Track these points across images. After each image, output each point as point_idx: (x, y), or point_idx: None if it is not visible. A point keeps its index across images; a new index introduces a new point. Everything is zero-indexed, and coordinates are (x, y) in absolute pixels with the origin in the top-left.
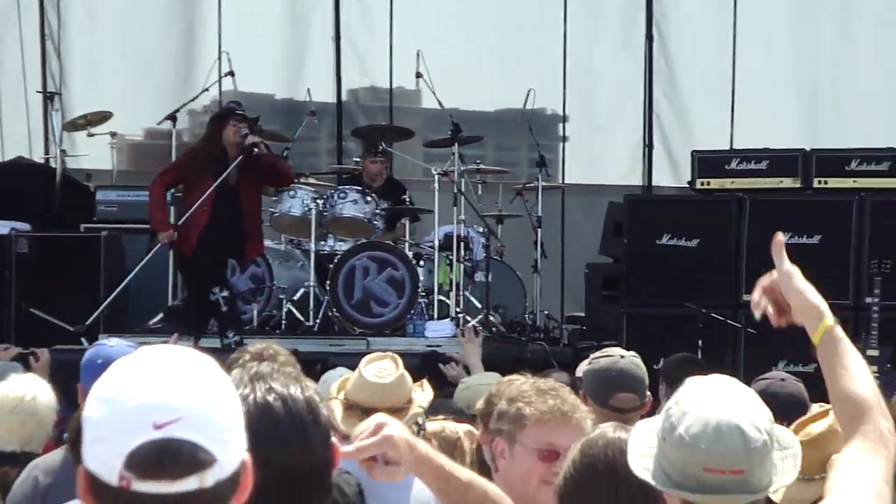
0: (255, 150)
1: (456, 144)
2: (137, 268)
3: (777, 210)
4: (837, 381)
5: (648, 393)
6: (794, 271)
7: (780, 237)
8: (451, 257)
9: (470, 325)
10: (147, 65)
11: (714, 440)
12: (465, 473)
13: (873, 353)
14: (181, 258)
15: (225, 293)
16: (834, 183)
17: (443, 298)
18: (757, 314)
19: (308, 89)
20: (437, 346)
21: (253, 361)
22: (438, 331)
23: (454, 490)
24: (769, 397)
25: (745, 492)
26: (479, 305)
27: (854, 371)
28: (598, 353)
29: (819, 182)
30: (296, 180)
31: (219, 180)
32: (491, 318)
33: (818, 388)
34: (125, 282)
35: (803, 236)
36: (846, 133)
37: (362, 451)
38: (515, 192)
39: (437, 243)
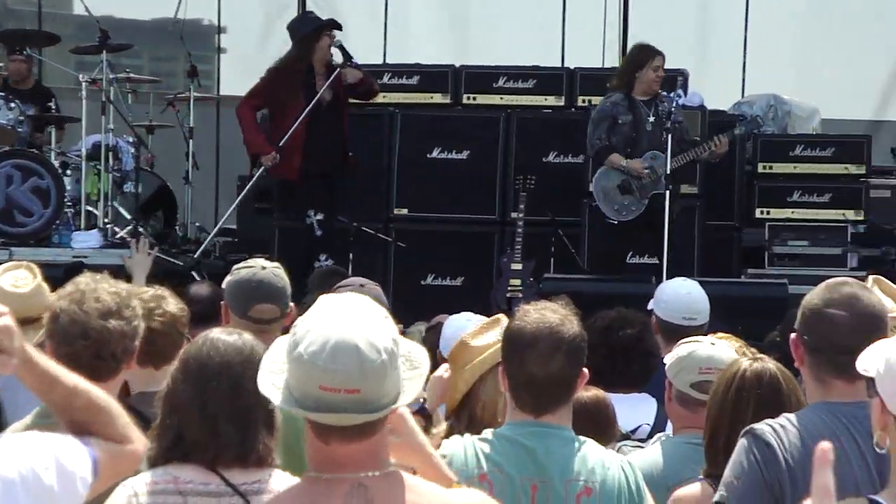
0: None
1: (104, 52)
2: (240, 196)
3: (427, 125)
4: None
5: (291, 304)
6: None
7: (826, 449)
8: (99, 167)
9: (145, 239)
10: None
11: (329, 359)
12: (72, 379)
13: (517, 266)
14: (283, 186)
15: (320, 216)
16: (482, 99)
17: (90, 209)
18: None
19: None
20: (84, 256)
21: None
22: (85, 241)
23: (59, 394)
24: None
25: (361, 411)
26: (128, 216)
27: None
28: (240, 265)
29: (468, 98)
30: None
31: (313, 101)
32: (140, 229)
33: (462, 300)
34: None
35: (452, 151)
36: (495, 50)
37: None
38: (167, 103)
39: (84, 152)
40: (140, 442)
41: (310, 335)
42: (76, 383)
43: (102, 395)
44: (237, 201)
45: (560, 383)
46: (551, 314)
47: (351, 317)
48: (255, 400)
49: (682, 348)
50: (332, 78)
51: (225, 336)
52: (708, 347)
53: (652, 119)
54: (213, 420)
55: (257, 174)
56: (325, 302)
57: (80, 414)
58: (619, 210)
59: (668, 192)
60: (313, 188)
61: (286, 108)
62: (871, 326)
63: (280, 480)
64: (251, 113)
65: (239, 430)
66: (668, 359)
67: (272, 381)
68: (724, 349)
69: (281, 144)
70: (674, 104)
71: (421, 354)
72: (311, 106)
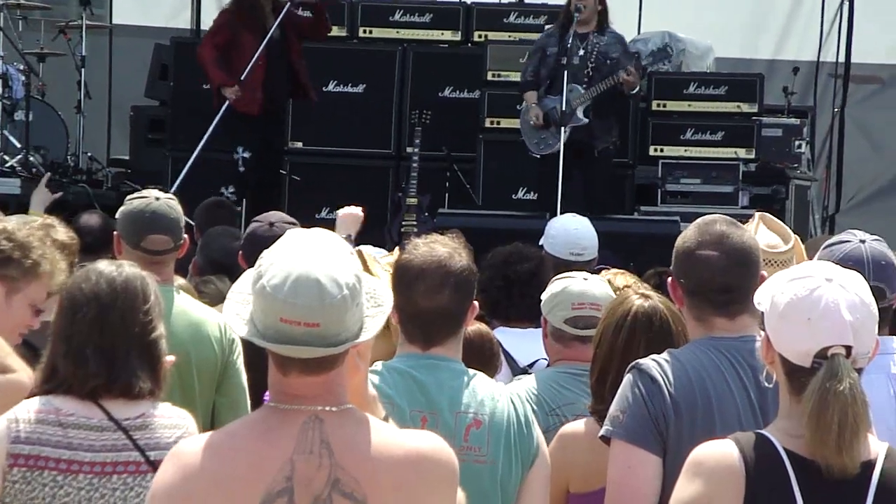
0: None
1: None
2: (210, 130)
3: (323, 58)
4: None
5: (185, 236)
6: None
7: None
8: None
9: (47, 176)
10: None
11: (291, 292)
12: None
13: (412, 201)
14: (244, 120)
15: (247, 154)
16: (379, 33)
17: None
18: None
19: None
20: None
21: None
22: None
23: None
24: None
25: (320, 344)
26: (18, 145)
27: None
28: (133, 195)
29: (364, 32)
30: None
31: (267, 37)
32: (31, 158)
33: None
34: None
35: (348, 85)
36: None
37: None
38: (58, 31)
39: None
40: (24, 372)
41: (273, 268)
42: None
43: None
44: (206, 135)
45: (448, 316)
46: (440, 247)
47: (315, 252)
48: (125, 330)
49: (556, 284)
50: (279, 18)
51: (102, 267)
52: (580, 283)
53: (581, 53)
54: (78, 350)
55: (223, 107)
56: (291, 236)
57: None
58: (539, 144)
59: (566, 129)
60: (274, 122)
61: (238, 45)
62: (743, 263)
63: (166, 413)
64: (212, 51)
65: (105, 361)
66: (544, 295)
67: (237, 311)
68: (597, 284)
69: (242, 79)
70: (617, 45)
71: (385, 293)
72: (264, 43)
